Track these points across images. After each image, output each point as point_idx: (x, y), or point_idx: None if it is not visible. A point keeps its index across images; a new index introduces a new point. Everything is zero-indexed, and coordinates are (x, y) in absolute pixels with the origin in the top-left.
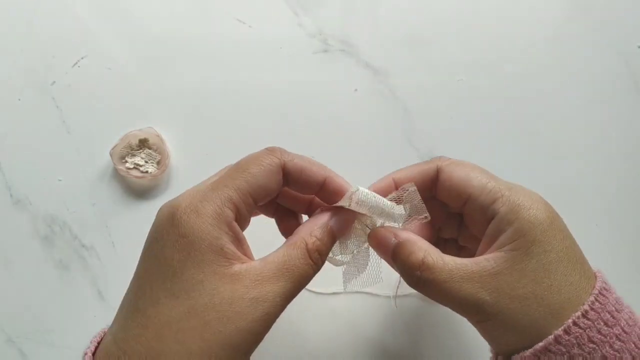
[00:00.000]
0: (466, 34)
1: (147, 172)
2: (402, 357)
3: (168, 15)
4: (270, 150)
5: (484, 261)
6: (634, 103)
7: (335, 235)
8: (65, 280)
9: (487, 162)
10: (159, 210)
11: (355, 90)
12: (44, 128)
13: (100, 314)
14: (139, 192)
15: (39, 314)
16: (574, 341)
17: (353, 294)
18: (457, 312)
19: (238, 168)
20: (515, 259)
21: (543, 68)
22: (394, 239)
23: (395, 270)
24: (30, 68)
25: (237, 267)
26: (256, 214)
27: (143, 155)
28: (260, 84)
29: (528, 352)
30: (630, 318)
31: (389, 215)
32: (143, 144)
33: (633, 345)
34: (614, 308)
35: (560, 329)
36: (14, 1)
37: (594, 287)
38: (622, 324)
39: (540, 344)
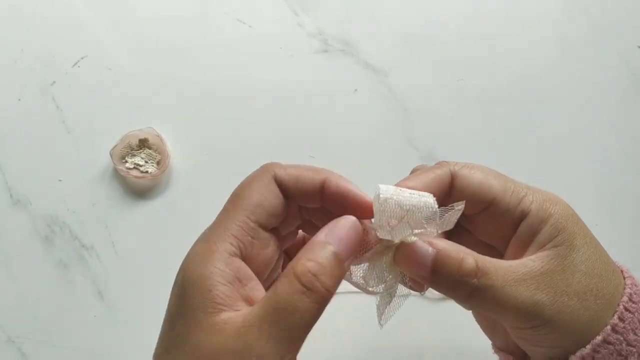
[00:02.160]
0: (466, 34)
1: (147, 172)
2: (402, 357)
3: (168, 15)
4: (261, 167)
5: (530, 262)
6: (634, 103)
7: (344, 256)
8: (65, 280)
9: (487, 162)
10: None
11: (355, 90)
12: (44, 128)
13: (100, 314)
14: (139, 192)
15: (39, 314)
16: (629, 327)
17: (353, 294)
18: (511, 321)
19: (232, 197)
20: (563, 255)
21: (543, 68)
22: (430, 249)
23: (432, 287)
24: (30, 68)
25: (225, 314)
26: (289, 239)
27: (143, 155)
28: (260, 84)
29: (587, 349)
30: None
31: (422, 212)
32: (143, 144)
33: None
34: None
35: (615, 317)
36: (14, 1)
37: (623, 271)
38: None
39: (599, 337)
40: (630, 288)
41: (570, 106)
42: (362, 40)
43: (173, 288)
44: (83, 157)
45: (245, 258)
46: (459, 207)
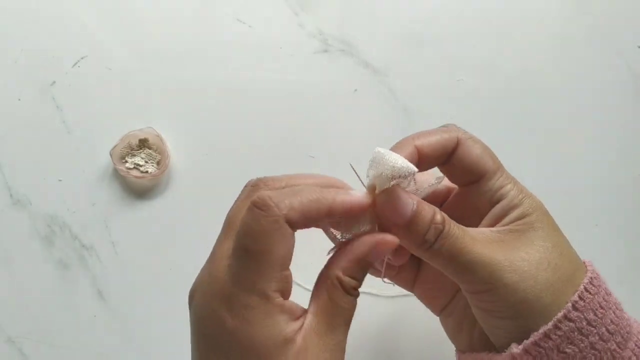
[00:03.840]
0: (466, 34)
1: (147, 172)
2: (402, 357)
3: (168, 15)
4: (265, 208)
5: (490, 232)
6: (634, 103)
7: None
8: (65, 280)
9: None
10: (195, 313)
11: (355, 90)
12: (44, 128)
13: (100, 314)
14: (139, 192)
15: (39, 314)
16: (589, 306)
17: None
18: (467, 278)
19: (252, 255)
20: (523, 231)
21: (543, 68)
22: (412, 200)
23: (402, 235)
24: (30, 68)
25: (300, 339)
26: None
27: (143, 155)
28: (260, 84)
29: (549, 325)
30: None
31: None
32: (143, 144)
33: (626, 315)
34: (603, 281)
35: (575, 295)
36: (14, 1)
37: (585, 261)
38: (613, 296)
39: (560, 313)
40: (591, 273)
41: (570, 106)
42: (362, 40)
43: (228, 353)
44: (83, 157)
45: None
46: (438, 181)
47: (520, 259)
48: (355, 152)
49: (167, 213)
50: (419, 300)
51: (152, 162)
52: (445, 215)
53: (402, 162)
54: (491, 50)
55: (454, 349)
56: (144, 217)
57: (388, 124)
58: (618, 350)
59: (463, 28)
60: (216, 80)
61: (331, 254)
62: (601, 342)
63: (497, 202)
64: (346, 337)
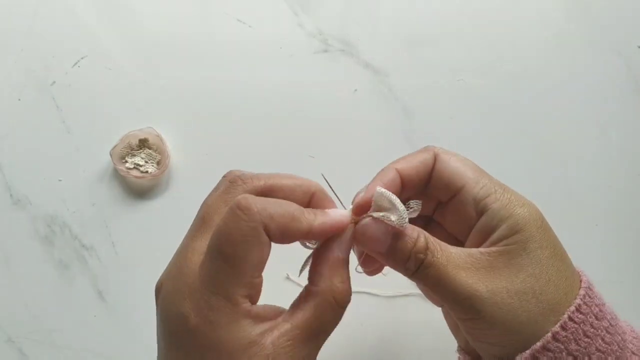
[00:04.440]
0: (466, 34)
1: (147, 172)
2: (401, 357)
3: (168, 15)
4: (246, 211)
5: (479, 254)
6: (634, 103)
7: (348, 260)
8: (65, 280)
9: (487, 161)
10: (161, 305)
11: (355, 90)
12: (44, 128)
13: (100, 314)
14: (139, 192)
15: (39, 314)
16: (571, 337)
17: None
18: (451, 305)
19: (227, 258)
20: (512, 254)
21: (543, 68)
22: (389, 227)
23: (385, 261)
24: (30, 68)
25: (270, 344)
26: None
27: (143, 155)
28: (260, 84)
29: (527, 354)
30: (612, 311)
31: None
32: (143, 144)
33: (619, 337)
34: (600, 302)
35: (557, 325)
36: (14, 1)
37: (582, 281)
38: (608, 317)
39: (539, 343)
40: (581, 299)
41: (570, 106)
42: (362, 40)
43: (187, 351)
44: (83, 157)
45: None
46: (417, 206)
47: (503, 290)
48: (356, 152)
49: (167, 213)
50: (418, 301)
51: (152, 162)
52: (430, 239)
53: (403, 208)
54: (491, 50)
55: (453, 348)
56: (144, 217)
57: (388, 124)
58: None
59: (463, 28)
60: (216, 80)
61: (307, 268)
62: None
63: (483, 212)
64: (317, 353)
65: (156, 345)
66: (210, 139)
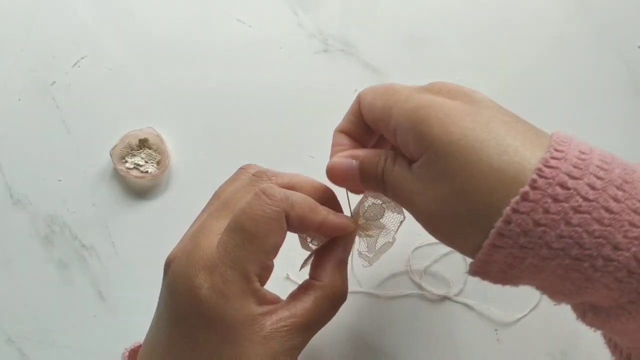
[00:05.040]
0: (466, 34)
1: (147, 172)
2: (401, 357)
3: (168, 15)
4: (270, 197)
5: (415, 170)
6: (634, 103)
7: (347, 261)
8: (65, 280)
9: None
10: (171, 278)
11: (355, 90)
12: (44, 128)
13: (100, 314)
14: (139, 192)
15: (39, 314)
16: (525, 221)
17: (351, 293)
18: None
19: (247, 235)
20: (429, 164)
21: (543, 68)
22: (354, 161)
23: (359, 187)
24: (30, 68)
25: (269, 327)
26: None
27: (143, 155)
28: (260, 84)
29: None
30: (616, 165)
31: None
32: (143, 144)
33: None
34: (579, 154)
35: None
36: (14, 1)
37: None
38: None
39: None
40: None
41: (569, 106)
42: (362, 40)
43: (194, 322)
44: (83, 157)
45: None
46: (391, 242)
47: (438, 198)
48: None
49: (167, 213)
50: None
51: (152, 162)
52: (388, 161)
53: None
54: (491, 50)
55: (452, 348)
56: (144, 217)
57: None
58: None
59: (463, 28)
60: (216, 80)
61: (307, 265)
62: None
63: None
64: (307, 343)
65: None
66: (210, 139)
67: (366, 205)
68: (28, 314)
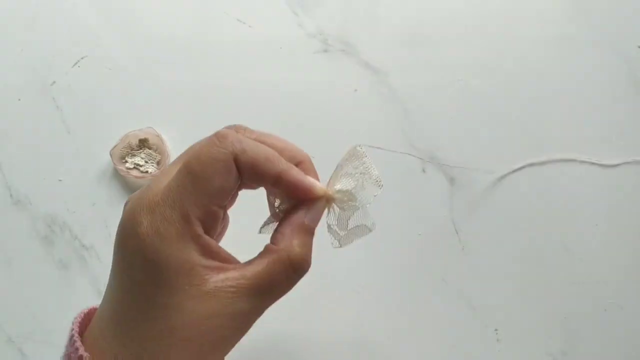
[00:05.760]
0: (466, 34)
1: (147, 172)
2: (401, 356)
3: (168, 15)
4: (221, 139)
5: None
6: (634, 103)
7: (313, 231)
8: (65, 280)
9: (486, 161)
10: (121, 219)
11: (355, 90)
12: (44, 128)
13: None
14: None
15: (39, 314)
16: None
17: (350, 292)
18: None
19: (191, 175)
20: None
21: (543, 68)
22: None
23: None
24: (30, 68)
25: (212, 283)
26: (232, 201)
27: (143, 155)
28: (260, 84)
29: None
30: None
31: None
32: (143, 144)
33: None
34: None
35: None
36: (14, 1)
37: None
38: None
39: None
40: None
41: (569, 106)
42: (362, 40)
43: (132, 261)
44: (83, 157)
45: (208, 229)
46: (369, 228)
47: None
48: None
49: None
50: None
51: (152, 162)
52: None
53: (375, 172)
54: (491, 50)
55: (453, 347)
56: None
57: (388, 124)
58: None
59: (463, 28)
60: (216, 80)
61: (270, 229)
62: None
63: None
64: (260, 314)
65: (113, 318)
66: None
67: (340, 174)
68: (28, 314)
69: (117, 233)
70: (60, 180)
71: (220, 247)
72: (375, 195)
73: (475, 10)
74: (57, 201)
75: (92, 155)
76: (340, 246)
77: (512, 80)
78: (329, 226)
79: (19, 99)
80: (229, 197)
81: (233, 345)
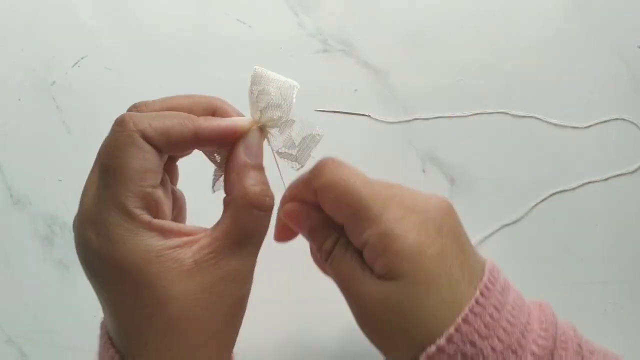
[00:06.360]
0: (466, 34)
1: None
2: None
3: (168, 15)
4: (121, 124)
5: (372, 281)
6: (634, 103)
7: (260, 165)
8: (65, 280)
9: (486, 161)
10: (75, 242)
11: (355, 90)
12: (44, 128)
13: (100, 314)
14: None
15: (39, 314)
16: (466, 338)
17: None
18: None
19: (109, 171)
20: (384, 292)
21: (543, 68)
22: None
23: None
24: (30, 68)
25: (189, 259)
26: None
27: None
28: None
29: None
30: (514, 298)
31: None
32: None
33: (519, 332)
34: (500, 287)
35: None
36: (14, 1)
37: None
38: (509, 307)
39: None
40: (475, 299)
41: (569, 106)
42: (362, 40)
43: (105, 283)
44: (83, 157)
45: (159, 207)
46: (318, 134)
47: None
48: (355, 152)
49: None
50: None
51: None
52: (339, 241)
53: (284, 78)
54: (491, 50)
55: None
56: None
57: (388, 124)
58: None
59: (463, 28)
60: (216, 80)
61: (220, 183)
62: None
63: (364, 246)
64: (251, 263)
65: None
66: None
67: (255, 98)
68: (28, 314)
69: (78, 257)
70: (60, 180)
71: (178, 224)
72: (295, 92)
73: (474, 10)
74: (57, 201)
75: (92, 155)
76: (302, 165)
77: (512, 80)
78: (278, 153)
79: (19, 99)
80: (158, 175)
81: (246, 303)
